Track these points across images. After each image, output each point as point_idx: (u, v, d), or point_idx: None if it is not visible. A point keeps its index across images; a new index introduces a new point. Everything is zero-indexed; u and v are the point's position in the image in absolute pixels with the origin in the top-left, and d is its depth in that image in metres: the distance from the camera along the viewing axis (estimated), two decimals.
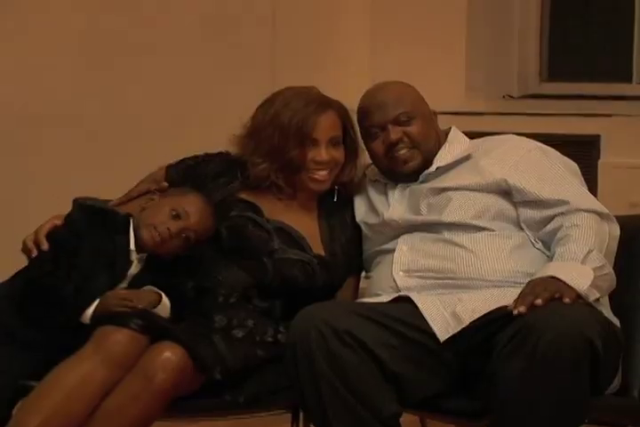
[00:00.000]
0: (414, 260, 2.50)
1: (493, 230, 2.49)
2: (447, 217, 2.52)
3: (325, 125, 2.60)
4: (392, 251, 2.55)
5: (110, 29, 3.71)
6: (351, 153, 2.67)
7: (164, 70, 3.79)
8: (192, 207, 2.51)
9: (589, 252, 2.33)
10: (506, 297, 2.30)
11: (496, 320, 2.27)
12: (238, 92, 3.72)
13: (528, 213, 2.50)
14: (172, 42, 3.79)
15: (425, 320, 2.33)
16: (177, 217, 2.50)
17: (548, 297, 2.21)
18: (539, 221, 2.48)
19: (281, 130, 2.58)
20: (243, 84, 3.78)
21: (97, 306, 2.38)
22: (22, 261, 2.53)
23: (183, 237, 2.49)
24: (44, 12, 3.63)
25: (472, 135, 2.72)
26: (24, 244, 2.51)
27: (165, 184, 2.67)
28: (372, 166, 2.72)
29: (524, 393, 2.17)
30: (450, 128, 2.72)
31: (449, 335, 2.31)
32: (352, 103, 2.67)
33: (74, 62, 3.68)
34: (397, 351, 2.30)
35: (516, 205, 2.52)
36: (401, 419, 2.33)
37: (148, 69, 3.77)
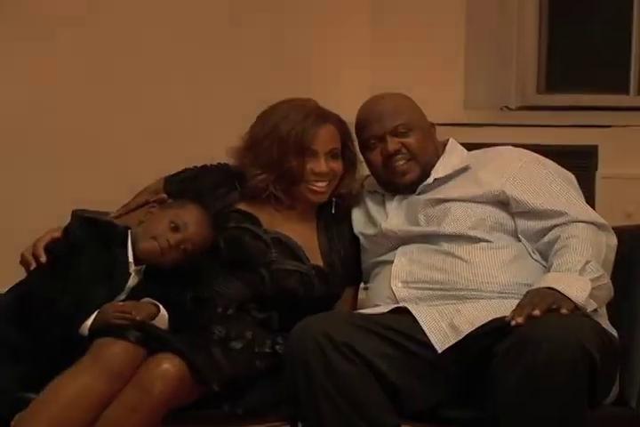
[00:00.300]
0: (412, 271, 2.50)
1: (491, 241, 2.49)
2: (445, 228, 2.52)
3: (325, 138, 2.60)
4: (390, 262, 2.54)
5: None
6: (350, 165, 2.68)
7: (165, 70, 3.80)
8: (191, 219, 2.51)
9: (587, 262, 2.33)
10: (503, 308, 2.30)
11: (494, 331, 2.26)
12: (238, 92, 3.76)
13: (525, 224, 2.50)
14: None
15: (423, 332, 2.33)
16: (176, 229, 2.50)
17: (546, 308, 2.21)
18: (536, 232, 2.48)
19: (280, 142, 2.58)
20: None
21: (95, 318, 2.38)
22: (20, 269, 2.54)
23: (181, 248, 2.50)
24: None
25: (470, 147, 2.72)
26: (22, 256, 2.51)
27: (164, 195, 2.68)
28: (370, 178, 2.72)
29: (521, 405, 2.16)
30: (448, 139, 2.72)
31: (447, 347, 2.31)
32: (352, 115, 2.67)
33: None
34: (396, 363, 2.30)
35: (513, 215, 2.52)
36: None
37: (148, 70, 3.78)
